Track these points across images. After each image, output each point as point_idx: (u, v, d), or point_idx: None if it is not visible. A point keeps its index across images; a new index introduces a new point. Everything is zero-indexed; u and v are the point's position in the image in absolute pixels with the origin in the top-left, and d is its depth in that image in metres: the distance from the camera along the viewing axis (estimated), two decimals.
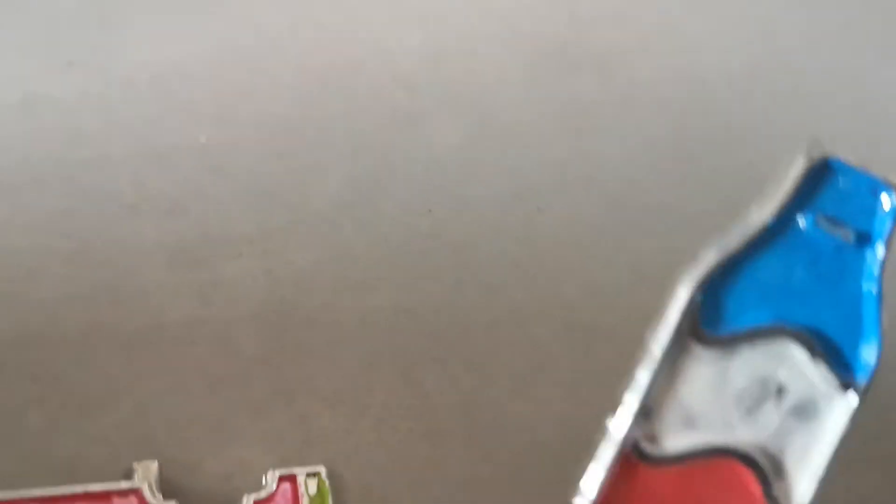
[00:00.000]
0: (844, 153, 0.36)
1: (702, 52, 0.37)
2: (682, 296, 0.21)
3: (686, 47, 0.36)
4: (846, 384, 0.21)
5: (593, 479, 0.21)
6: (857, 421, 0.20)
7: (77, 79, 0.37)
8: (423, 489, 0.32)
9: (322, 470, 0.31)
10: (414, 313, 0.34)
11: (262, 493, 0.30)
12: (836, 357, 0.21)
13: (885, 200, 0.20)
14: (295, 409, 0.33)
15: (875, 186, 0.21)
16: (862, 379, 0.21)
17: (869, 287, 0.21)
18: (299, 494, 0.30)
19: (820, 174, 0.21)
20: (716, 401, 0.21)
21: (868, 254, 0.21)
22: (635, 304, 0.34)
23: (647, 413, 0.21)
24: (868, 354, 0.21)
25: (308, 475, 0.31)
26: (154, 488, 0.29)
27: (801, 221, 0.21)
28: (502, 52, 0.37)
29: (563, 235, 0.35)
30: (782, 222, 0.21)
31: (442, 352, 0.34)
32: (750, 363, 0.21)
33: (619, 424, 0.21)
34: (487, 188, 0.36)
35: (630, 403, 0.21)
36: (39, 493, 0.28)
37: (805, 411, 0.21)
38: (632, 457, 0.21)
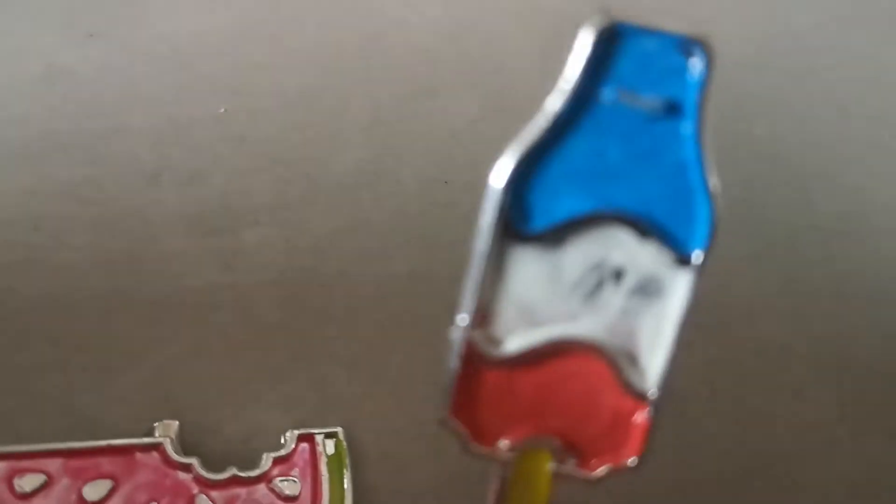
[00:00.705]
0: (859, 128, 0.36)
1: (717, 33, 0.37)
2: (489, 197, 0.19)
3: (699, 21, 0.36)
4: (683, 258, 0.20)
5: (443, 391, 0.21)
6: (699, 294, 0.20)
7: (98, 51, 0.37)
8: (439, 452, 0.32)
9: (340, 431, 0.31)
10: (430, 280, 0.34)
11: (282, 452, 0.31)
12: (668, 232, 0.20)
13: (693, 60, 0.19)
14: (313, 373, 0.33)
15: (679, 45, 0.19)
16: (698, 249, 0.20)
17: (688, 155, 0.19)
18: (317, 454, 0.31)
19: (613, 43, 0.19)
20: (552, 293, 0.20)
21: (682, 121, 0.19)
22: None
23: (482, 317, 0.20)
24: (700, 225, 0.20)
25: (326, 436, 0.31)
26: (175, 445, 0.30)
27: (603, 98, 0.19)
28: (518, 27, 0.38)
29: None
30: (581, 102, 0.19)
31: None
32: (580, 252, 0.20)
33: (456, 332, 0.21)
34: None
35: (462, 310, 0.20)
36: (64, 447, 0.29)
37: (647, 291, 0.20)
38: (477, 361, 0.21)
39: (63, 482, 0.28)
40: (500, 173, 0.20)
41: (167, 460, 0.30)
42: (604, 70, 0.19)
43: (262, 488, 0.30)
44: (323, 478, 0.30)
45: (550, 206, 0.20)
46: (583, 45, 0.19)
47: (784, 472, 0.31)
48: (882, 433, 0.30)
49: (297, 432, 0.31)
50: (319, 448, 0.31)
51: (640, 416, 0.21)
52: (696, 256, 0.20)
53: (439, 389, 0.33)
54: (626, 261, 0.20)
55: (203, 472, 0.30)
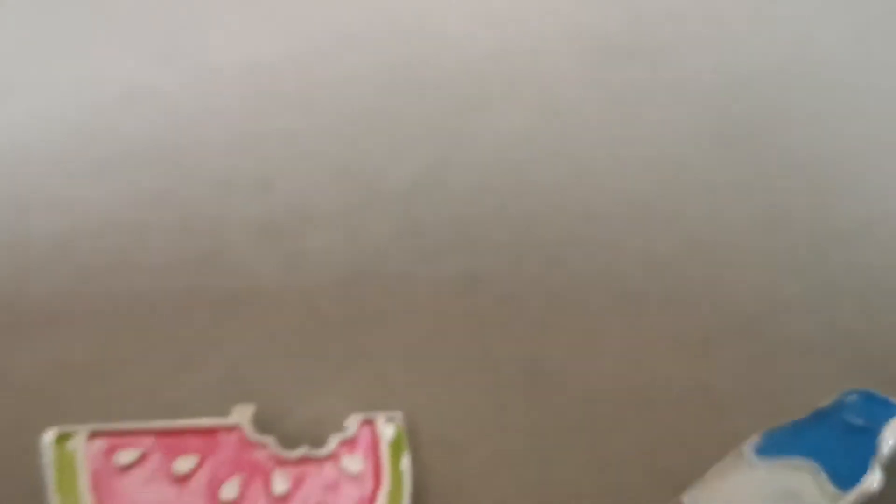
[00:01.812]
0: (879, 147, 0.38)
1: (746, 46, 0.40)
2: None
3: (731, 41, 0.39)
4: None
5: None
6: None
7: (175, 72, 0.41)
8: (489, 436, 0.35)
9: (398, 415, 0.34)
10: (481, 281, 0.37)
11: (347, 434, 0.34)
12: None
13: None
14: (373, 366, 0.36)
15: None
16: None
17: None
18: (378, 437, 0.34)
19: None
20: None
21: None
22: (685, 274, 0.37)
23: None
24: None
25: (386, 420, 0.34)
26: (251, 427, 0.33)
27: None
28: (561, 46, 0.40)
29: (618, 211, 0.38)
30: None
31: (506, 316, 0.37)
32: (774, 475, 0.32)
33: None
34: (548, 169, 0.39)
35: None
36: (156, 426, 0.32)
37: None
38: None
39: (156, 456, 0.32)
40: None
41: (245, 440, 0.33)
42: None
43: (329, 466, 0.33)
44: (383, 458, 0.33)
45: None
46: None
47: None
48: None
49: (360, 417, 0.34)
50: (380, 431, 0.34)
51: None
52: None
53: (491, 380, 0.36)
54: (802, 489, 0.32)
55: (278, 451, 0.33)
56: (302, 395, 0.36)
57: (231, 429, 0.33)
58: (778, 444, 0.32)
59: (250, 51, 0.40)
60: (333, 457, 0.33)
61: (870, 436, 0.32)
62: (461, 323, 0.37)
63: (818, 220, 0.38)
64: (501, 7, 0.41)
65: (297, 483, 0.32)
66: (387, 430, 0.33)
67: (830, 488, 0.31)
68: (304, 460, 0.33)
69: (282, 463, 0.33)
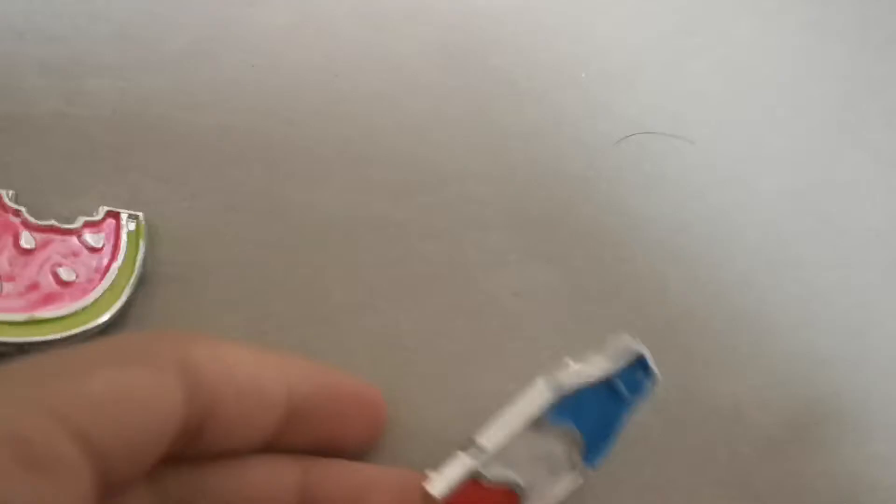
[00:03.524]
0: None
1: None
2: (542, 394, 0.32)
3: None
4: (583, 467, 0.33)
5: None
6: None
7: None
8: (220, 238, 0.42)
9: (141, 216, 0.41)
10: (233, 130, 0.45)
11: (94, 218, 0.40)
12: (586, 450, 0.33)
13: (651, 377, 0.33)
14: (128, 179, 0.43)
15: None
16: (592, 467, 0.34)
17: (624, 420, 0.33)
18: (121, 225, 0.40)
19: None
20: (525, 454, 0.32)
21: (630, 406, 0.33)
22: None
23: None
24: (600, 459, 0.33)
25: (129, 216, 0.41)
26: (12, 198, 0.39)
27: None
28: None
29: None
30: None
31: (254, 154, 0.44)
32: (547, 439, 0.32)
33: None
34: (304, 58, 0.47)
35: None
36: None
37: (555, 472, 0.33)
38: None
39: None
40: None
41: (4, 205, 0.39)
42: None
43: (73, 239, 0.39)
44: (122, 242, 0.40)
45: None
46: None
47: None
48: None
49: (106, 208, 0.41)
50: (123, 222, 0.40)
51: None
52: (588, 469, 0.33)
53: (229, 199, 0.43)
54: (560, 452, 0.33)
55: (29, 217, 0.39)
56: (65, 198, 0.42)
57: None
58: (565, 408, 0.32)
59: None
60: (78, 232, 0.39)
61: (623, 408, 0.32)
62: (213, 153, 0.44)
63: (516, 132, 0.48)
64: None
65: (43, 244, 0.39)
66: (129, 223, 0.40)
67: (580, 461, 0.33)
68: (51, 229, 0.39)
69: (31, 227, 0.39)
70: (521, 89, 0.48)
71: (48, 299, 0.37)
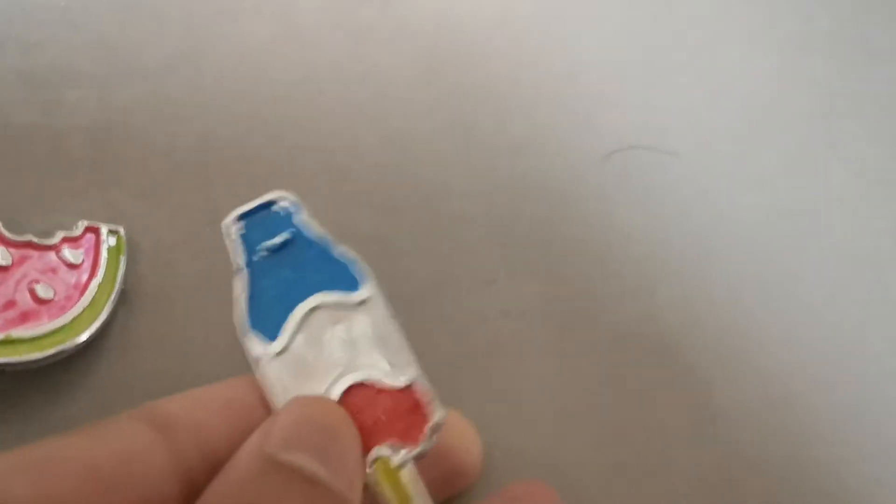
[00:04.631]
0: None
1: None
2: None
3: None
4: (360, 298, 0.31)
5: None
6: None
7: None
8: (200, 255, 0.42)
9: (121, 229, 0.40)
10: (212, 141, 0.44)
11: (72, 233, 0.39)
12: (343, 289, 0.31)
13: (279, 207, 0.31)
14: (106, 195, 0.42)
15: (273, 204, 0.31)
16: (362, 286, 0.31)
17: (315, 251, 0.31)
18: (101, 241, 0.39)
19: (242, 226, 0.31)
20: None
21: (300, 239, 0.31)
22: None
23: None
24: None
25: (110, 231, 0.40)
26: None
27: (256, 258, 0.31)
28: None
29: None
30: (249, 264, 0.31)
31: (233, 173, 0.44)
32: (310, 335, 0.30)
33: None
34: (285, 75, 0.47)
35: None
36: None
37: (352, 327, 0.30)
38: None
39: None
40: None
41: None
42: (247, 245, 0.31)
43: (51, 254, 0.38)
44: (102, 257, 0.39)
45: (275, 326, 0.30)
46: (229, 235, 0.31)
47: None
48: None
49: (86, 223, 0.40)
50: (103, 238, 0.40)
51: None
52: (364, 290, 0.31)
53: (209, 216, 0.42)
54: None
55: (5, 232, 0.38)
56: (39, 211, 0.41)
57: None
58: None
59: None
60: (56, 248, 0.38)
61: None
62: (194, 167, 0.43)
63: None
64: None
65: (20, 260, 0.38)
66: (109, 238, 0.39)
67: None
68: (28, 244, 0.38)
69: (7, 243, 0.38)
70: (506, 105, 0.48)
71: (25, 317, 0.36)
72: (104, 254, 0.38)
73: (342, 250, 0.31)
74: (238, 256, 0.30)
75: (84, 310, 0.37)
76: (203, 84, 0.46)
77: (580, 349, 0.42)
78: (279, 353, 0.29)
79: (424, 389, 0.29)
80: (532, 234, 0.45)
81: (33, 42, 0.45)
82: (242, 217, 0.31)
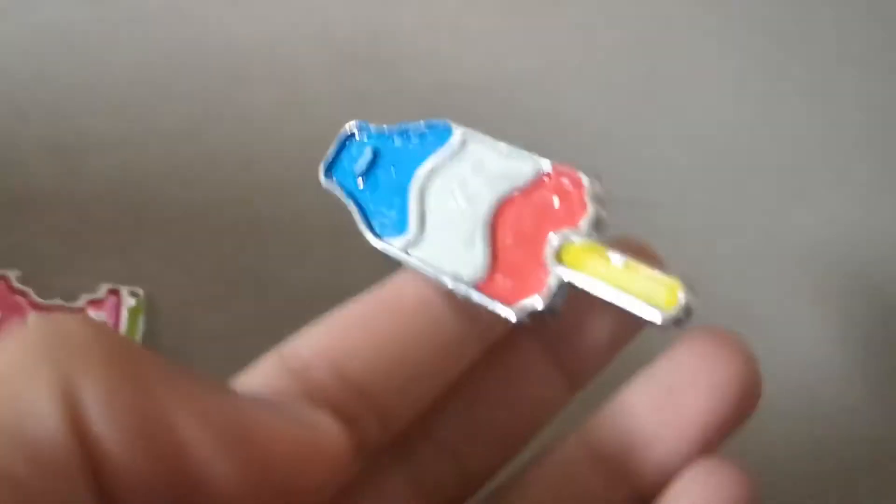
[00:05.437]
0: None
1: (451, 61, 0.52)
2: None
3: (441, 58, 0.52)
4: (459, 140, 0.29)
5: None
6: None
7: None
8: (223, 307, 0.45)
9: (140, 291, 0.44)
10: (223, 205, 0.48)
11: (95, 295, 0.43)
12: None
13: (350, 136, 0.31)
14: (127, 256, 0.46)
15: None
16: None
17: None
18: (121, 301, 0.43)
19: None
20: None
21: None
22: None
23: None
24: None
25: (130, 292, 0.44)
26: (19, 278, 0.42)
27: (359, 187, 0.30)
28: (311, 49, 0.52)
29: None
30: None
31: (233, 228, 0.47)
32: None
33: None
34: (294, 142, 0.50)
35: None
36: None
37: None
38: None
39: None
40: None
41: (10, 287, 0.41)
42: (346, 185, 0.30)
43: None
44: (123, 317, 0.43)
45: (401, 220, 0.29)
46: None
47: None
48: None
49: (108, 286, 0.43)
50: (123, 299, 0.43)
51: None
52: None
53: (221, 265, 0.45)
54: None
55: (35, 297, 0.42)
56: (64, 275, 0.44)
57: (1, 278, 0.41)
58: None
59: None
60: (81, 310, 0.42)
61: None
62: (206, 227, 0.47)
63: None
64: (263, 7, 0.53)
65: None
66: (129, 299, 0.43)
67: None
68: (57, 307, 0.42)
69: (38, 307, 0.41)
70: None
71: None
72: (125, 314, 0.42)
73: (417, 123, 0.30)
74: (344, 197, 0.30)
75: None
76: (213, 148, 0.50)
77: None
78: (419, 233, 0.28)
79: (564, 168, 0.28)
80: None
81: (57, 110, 0.49)
82: (329, 169, 0.31)
